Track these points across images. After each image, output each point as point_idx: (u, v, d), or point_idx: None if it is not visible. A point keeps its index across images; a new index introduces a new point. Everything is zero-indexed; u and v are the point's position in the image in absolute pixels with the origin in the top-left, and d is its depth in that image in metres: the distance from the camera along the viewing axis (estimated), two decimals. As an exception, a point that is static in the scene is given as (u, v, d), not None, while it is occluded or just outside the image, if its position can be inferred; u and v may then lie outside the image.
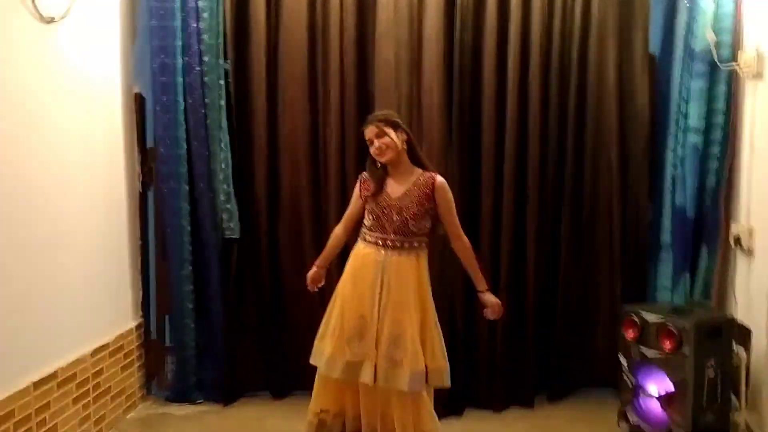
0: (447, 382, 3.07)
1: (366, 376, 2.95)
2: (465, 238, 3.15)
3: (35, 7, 2.91)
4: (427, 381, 2.99)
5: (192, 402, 3.93)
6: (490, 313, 3.15)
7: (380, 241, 3.02)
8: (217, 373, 3.97)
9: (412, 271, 3.02)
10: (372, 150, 3.03)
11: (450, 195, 3.08)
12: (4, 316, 2.79)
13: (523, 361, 3.93)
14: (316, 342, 3.15)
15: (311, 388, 3.92)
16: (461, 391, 3.74)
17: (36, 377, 2.95)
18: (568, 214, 3.93)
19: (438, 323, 3.09)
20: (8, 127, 2.81)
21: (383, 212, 3.02)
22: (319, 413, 3.16)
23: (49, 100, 3.12)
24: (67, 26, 3.19)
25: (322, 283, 3.29)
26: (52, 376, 3.06)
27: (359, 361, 2.97)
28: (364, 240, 3.10)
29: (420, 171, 3.08)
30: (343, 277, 3.13)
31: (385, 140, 2.99)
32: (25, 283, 2.92)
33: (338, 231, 3.24)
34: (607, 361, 3.82)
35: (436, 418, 3.10)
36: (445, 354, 3.07)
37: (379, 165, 3.07)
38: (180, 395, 3.95)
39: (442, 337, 3.08)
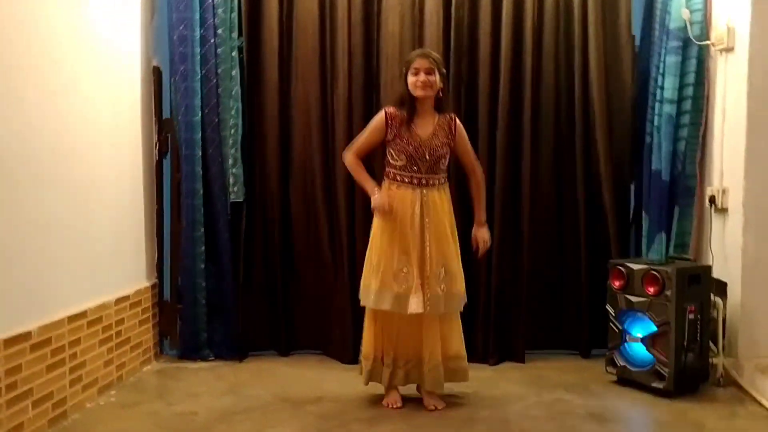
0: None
1: (416, 306, 3.19)
2: (480, 170, 3.47)
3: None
4: None
5: (203, 359, 4.14)
6: (481, 246, 3.45)
7: (415, 180, 3.28)
8: (226, 331, 4.19)
9: (445, 205, 3.33)
10: (415, 80, 3.22)
11: (465, 132, 3.42)
12: (49, 252, 3.03)
13: (514, 320, 4.19)
14: (363, 283, 3.36)
15: (316, 347, 4.21)
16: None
17: (70, 312, 3.16)
18: (556, 183, 4.26)
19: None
20: (46, 88, 3.04)
21: (416, 151, 3.26)
22: (378, 356, 3.38)
23: (82, 65, 3.35)
24: (99, -6, 3.47)
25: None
26: (83, 314, 3.27)
27: (406, 294, 3.21)
28: (396, 180, 3.31)
29: (437, 114, 3.35)
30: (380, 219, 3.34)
31: (432, 78, 3.23)
32: (59, 224, 3.14)
33: (354, 159, 3.36)
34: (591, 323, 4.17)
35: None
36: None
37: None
38: (191, 352, 4.15)
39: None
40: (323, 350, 4.20)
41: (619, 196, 4.24)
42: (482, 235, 3.48)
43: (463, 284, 3.38)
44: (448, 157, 3.36)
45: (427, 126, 3.31)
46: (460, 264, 3.38)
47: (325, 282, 4.15)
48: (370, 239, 3.37)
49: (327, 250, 4.16)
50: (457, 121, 3.39)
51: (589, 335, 4.22)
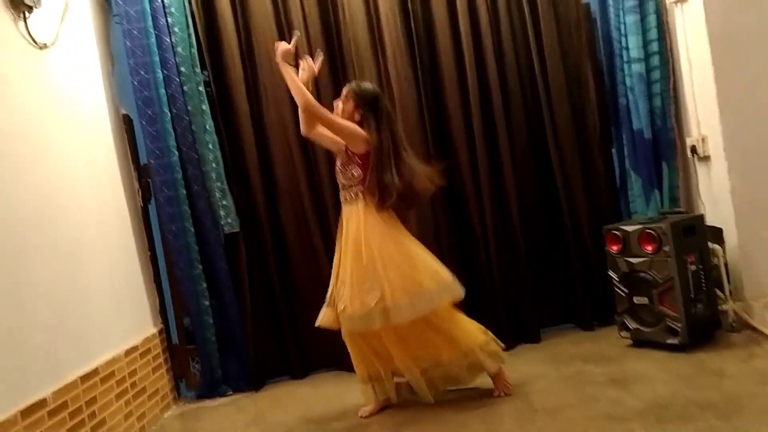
0: (449, 296, 3.29)
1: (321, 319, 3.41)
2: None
3: (29, 33, 3.16)
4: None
5: (222, 395, 4.13)
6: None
7: (341, 197, 3.41)
8: (240, 364, 4.18)
9: (355, 218, 3.30)
10: None
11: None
12: (48, 319, 3.01)
13: (522, 302, 4.21)
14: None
15: (331, 365, 4.21)
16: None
17: (81, 372, 3.15)
18: (537, 159, 4.28)
19: (405, 256, 3.25)
20: (18, 152, 3.01)
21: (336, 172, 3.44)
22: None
23: (51, 125, 3.34)
24: (57, 53, 3.45)
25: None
26: (95, 372, 3.26)
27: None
28: None
29: None
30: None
31: (339, 107, 3.37)
32: (55, 290, 3.12)
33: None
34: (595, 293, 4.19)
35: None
36: (425, 279, 3.23)
37: None
38: (209, 390, 4.14)
39: (412, 266, 3.24)
40: (338, 366, 4.18)
41: (598, 161, 4.25)
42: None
43: (420, 283, 3.22)
44: (350, 169, 3.31)
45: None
46: (411, 264, 3.24)
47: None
48: None
49: (325, 266, 4.13)
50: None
51: (591, 306, 4.24)
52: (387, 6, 4.09)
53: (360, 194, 3.31)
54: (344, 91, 3.39)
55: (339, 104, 3.38)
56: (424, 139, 4.12)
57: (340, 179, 3.38)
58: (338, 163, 3.39)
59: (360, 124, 3.30)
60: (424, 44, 4.16)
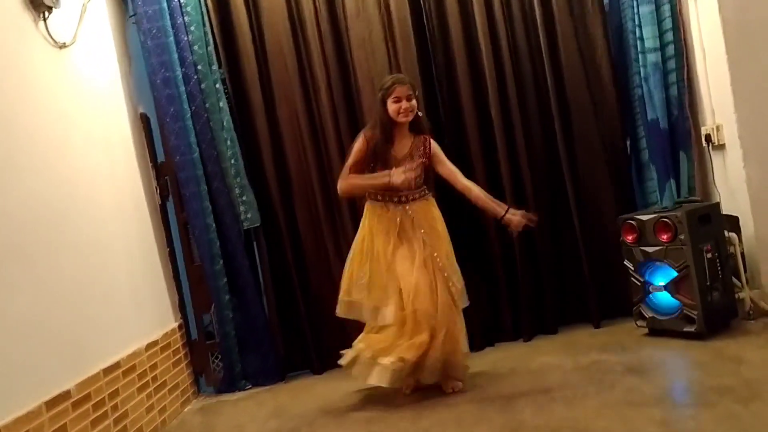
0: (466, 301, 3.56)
1: (387, 317, 3.37)
2: (465, 180, 3.53)
3: (49, 33, 3.22)
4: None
5: (241, 390, 4.17)
6: (515, 228, 3.43)
7: (395, 198, 3.43)
8: (260, 359, 4.22)
9: (432, 211, 3.48)
10: (398, 107, 3.35)
11: (440, 149, 3.56)
12: (71, 313, 3.05)
13: (542, 294, 4.23)
14: (343, 298, 3.50)
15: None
16: (492, 327, 4.19)
17: (104, 365, 3.20)
18: (551, 153, 4.26)
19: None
20: (39, 149, 3.07)
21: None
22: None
23: (70, 123, 3.38)
24: (76, 52, 3.51)
25: None
26: (117, 365, 3.30)
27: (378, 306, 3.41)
28: (375, 200, 3.47)
29: (413, 135, 3.49)
30: (365, 236, 3.47)
31: (413, 104, 3.38)
32: (77, 285, 3.17)
33: (348, 178, 3.45)
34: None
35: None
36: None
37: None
38: (228, 385, 4.18)
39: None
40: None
41: (617, 155, 4.23)
42: (513, 219, 3.40)
43: (462, 283, 3.50)
44: (424, 174, 3.50)
45: (403, 148, 3.46)
46: (454, 264, 3.50)
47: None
48: (356, 253, 3.52)
49: (334, 261, 4.18)
50: (431, 141, 3.55)
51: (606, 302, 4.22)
52: (399, 3, 4.11)
53: (427, 192, 3.50)
54: (407, 90, 3.37)
55: (412, 104, 3.37)
56: (438, 130, 4.09)
57: (415, 182, 3.41)
58: (409, 174, 3.33)
59: (418, 116, 3.44)
60: (437, 39, 4.18)
